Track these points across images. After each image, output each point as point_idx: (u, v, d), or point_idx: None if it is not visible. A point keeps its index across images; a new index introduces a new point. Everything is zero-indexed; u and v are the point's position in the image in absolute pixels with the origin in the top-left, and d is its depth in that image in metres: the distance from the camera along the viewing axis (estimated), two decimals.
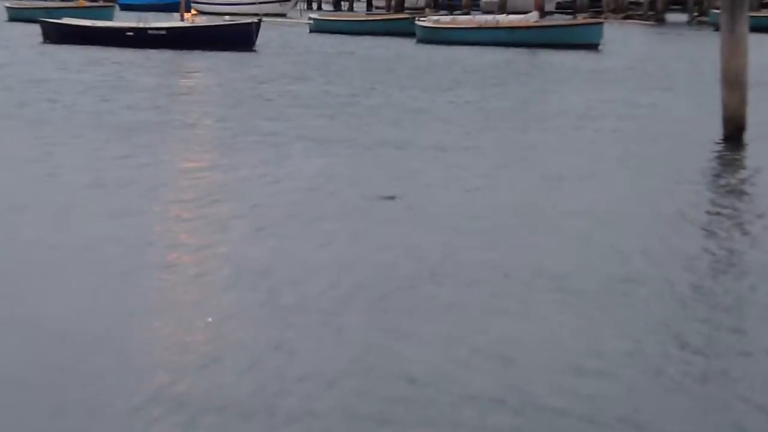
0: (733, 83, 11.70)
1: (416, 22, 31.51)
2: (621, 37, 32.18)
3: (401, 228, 7.32)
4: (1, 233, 7.09)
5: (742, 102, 11.78)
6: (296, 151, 10.94)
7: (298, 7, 48.36)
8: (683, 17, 43.80)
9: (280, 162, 10.28)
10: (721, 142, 11.76)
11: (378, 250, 6.69)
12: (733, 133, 11.74)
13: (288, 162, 10.31)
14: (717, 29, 15.33)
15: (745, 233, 7.86)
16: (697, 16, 42.14)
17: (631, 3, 44.78)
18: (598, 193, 9.18)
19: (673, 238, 7.47)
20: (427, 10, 47.88)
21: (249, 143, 11.46)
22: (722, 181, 10.21)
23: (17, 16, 34.62)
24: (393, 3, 58.23)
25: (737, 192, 9.76)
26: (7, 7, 36.34)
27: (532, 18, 29.30)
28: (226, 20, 27.15)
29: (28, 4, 36.27)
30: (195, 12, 28.45)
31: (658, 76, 20.77)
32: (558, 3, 47.03)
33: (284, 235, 7.13)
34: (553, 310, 5.55)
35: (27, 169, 9.50)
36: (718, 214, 8.67)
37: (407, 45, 28.56)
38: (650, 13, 42.89)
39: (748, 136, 11.73)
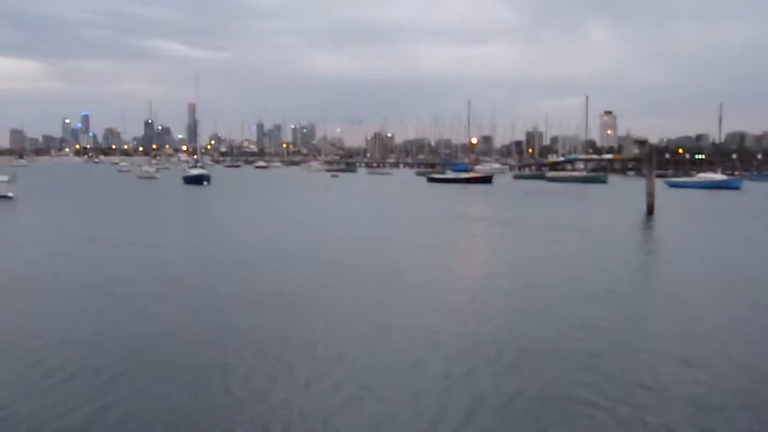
0: (650, 194, 41.68)
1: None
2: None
3: None
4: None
5: (653, 200, 41.18)
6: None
7: (509, 168, 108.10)
8: (632, 173, 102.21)
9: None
10: (645, 213, 37.31)
11: None
12: (650, 210, 41.06)
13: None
14: (644, 176, 41.42)
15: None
16: (638, 172, 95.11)
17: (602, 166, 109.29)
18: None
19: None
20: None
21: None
22: (645, 225, 32.43)
23: (419, 173, 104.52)
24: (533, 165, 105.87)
25: (650, 228, 31.22)
26: (417, 172, 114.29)
27: None
28: (481, 174, 75.51)
29: (422, 171, 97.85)
30: (475, 173, 73.06)
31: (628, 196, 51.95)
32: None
33: None
34: None
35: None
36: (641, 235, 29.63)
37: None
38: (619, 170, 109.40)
39: (655, 212, 38.12)
